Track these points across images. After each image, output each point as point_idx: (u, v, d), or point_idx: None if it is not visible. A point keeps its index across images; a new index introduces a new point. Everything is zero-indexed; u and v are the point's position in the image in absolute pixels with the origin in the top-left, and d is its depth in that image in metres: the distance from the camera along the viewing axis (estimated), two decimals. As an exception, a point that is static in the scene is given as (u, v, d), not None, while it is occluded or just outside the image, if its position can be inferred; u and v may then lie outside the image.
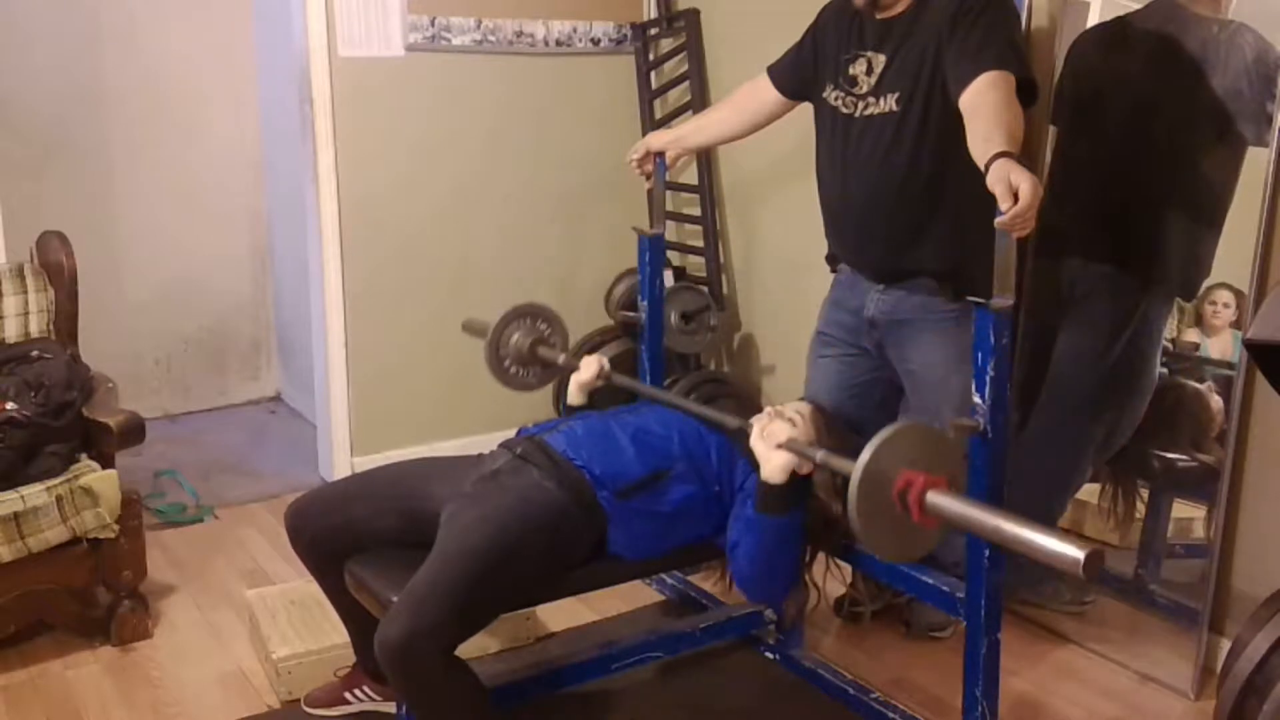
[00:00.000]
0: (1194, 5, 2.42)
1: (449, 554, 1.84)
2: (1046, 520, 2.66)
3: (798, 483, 1.98)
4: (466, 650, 1.84)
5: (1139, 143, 2.51)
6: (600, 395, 2.47)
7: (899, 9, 2.25)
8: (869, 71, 2.28)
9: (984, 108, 2.00)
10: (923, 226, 2.28)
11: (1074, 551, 1.44)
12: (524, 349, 2.63)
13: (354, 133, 3.37)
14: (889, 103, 2.25)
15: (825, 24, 2.43)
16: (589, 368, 2.43)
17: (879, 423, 2.62)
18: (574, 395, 2.45)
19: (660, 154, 2.71)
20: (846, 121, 2.33)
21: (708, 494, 2.07)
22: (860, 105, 2.30)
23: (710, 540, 2.12)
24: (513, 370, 2.67)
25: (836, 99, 2.35)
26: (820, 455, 1.88)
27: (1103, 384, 2.55)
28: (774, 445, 1.95)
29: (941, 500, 1.61)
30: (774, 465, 1.95)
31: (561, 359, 2.59)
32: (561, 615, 2.66)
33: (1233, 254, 2.35)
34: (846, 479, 2.27)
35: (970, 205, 2.00)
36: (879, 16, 2.27)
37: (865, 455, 1.61)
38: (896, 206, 2.28)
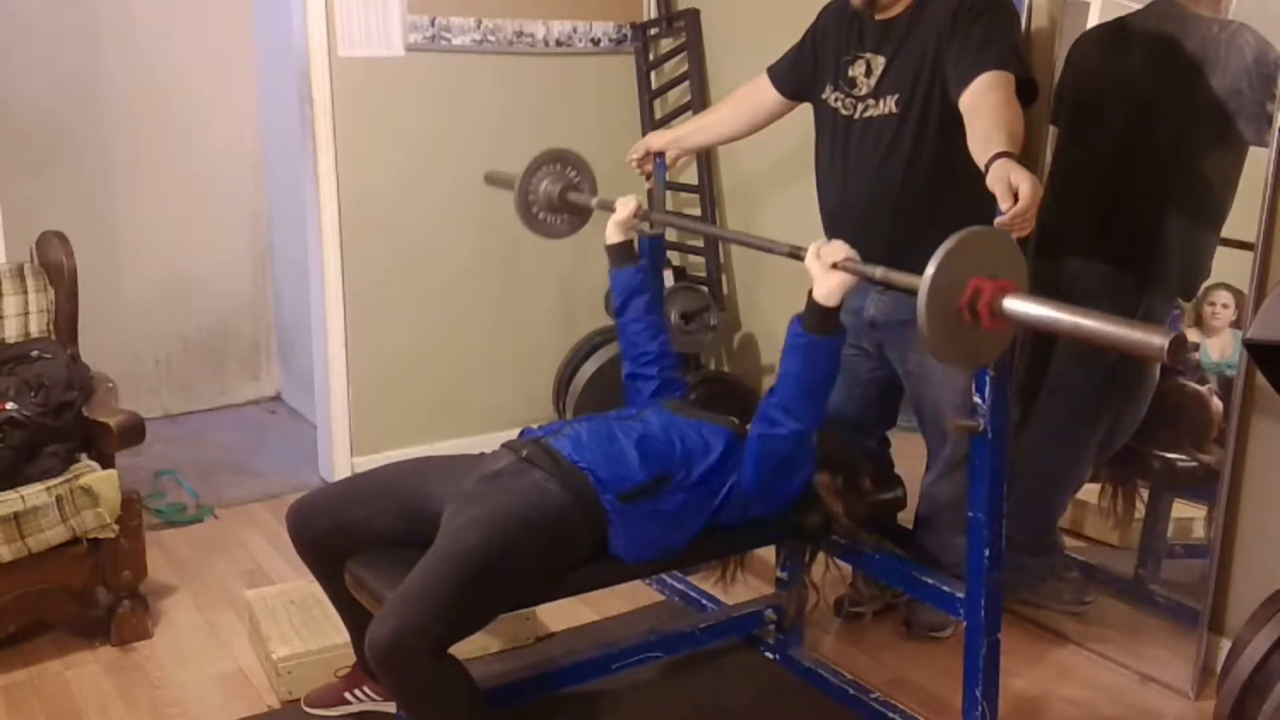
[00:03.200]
0: (1194, 5, 2.42)
1: (444, 554, 1.83)
2: (1046, 520, 2.68)
3: (837, 328, 1.96)
4: (467, 650, 1.84)
5: (1139, 143, 2.51)
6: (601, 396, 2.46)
7: (897, 10, 2.25)
8: (868, 73, 2.28)
9: (984, 108, 2.01)
10: (923, 227, 2.26)
11: (1157, 339, 1.42)
12: (553, 195, 2.62)
13: (354, 133, 3.37)
14: (889, 105, 2.25)
15: (825, 25, 2.43)
16: (626, 205, 2.42)
17: (879, 423, 2.65)
18: (613, 234, 2.42)
19: (660, 154, 2.71)
20: (846, 123, 2.33)
21: (710, 498, 2.06)
22: (860, 107, 2.30)
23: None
24: (542, 217, 2.65)
25: (836, 100, 2.35)
26: (880, 273, 1.83)
27: (1103, 384, 2.55)
28: (829, 264, 1.91)
29: (1017, 304, 1.59)
30: (830, 285, 1.90)
31: (594, 202, 2.58)
32: (561, 615, 2.66)
33: (1233, 254, 2.35)
34: (848, 477, 2.29)
35: (970, 206, 2.00)
36: (878, 18, 2.27)
37: (931, 266, 1.58)
38: (896, 208, 2.28)
